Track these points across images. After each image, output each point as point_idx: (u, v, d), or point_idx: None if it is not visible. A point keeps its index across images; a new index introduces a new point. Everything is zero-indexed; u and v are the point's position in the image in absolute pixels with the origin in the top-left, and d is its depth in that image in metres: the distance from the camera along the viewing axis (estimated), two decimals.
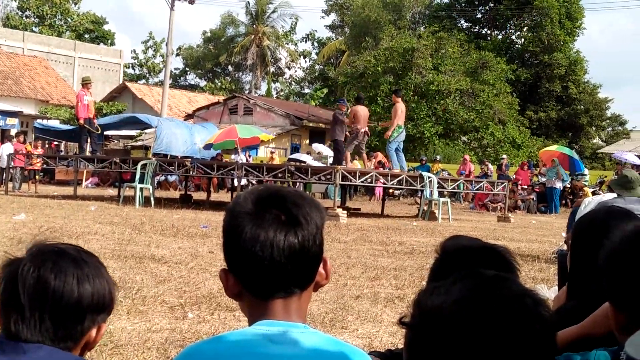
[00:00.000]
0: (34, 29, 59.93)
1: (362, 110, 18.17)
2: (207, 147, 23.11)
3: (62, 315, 1.65)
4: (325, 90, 54.13)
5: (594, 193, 22.48)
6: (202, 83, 69.30)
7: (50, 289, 1.64)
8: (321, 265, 1.67)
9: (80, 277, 1.68)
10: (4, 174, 22.74)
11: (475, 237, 2.29)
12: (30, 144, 27.03)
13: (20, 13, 62.37)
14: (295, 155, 30.91)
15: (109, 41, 65.71)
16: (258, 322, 1.60)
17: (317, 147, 31.90)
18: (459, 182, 19.22)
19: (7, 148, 16.45)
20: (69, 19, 62.59)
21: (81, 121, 19.52)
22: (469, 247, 2.11)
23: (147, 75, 69.54)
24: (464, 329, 1.15)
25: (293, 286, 1.62)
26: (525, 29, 48.60)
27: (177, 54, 69.05)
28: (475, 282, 1.22)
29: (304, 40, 68.47)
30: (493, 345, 1.14)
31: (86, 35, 63.07)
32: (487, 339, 1.14)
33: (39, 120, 37.25)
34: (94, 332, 1.73)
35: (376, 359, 2.47)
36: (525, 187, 26.63)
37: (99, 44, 61.93)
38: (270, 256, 1.57)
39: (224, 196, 24.84)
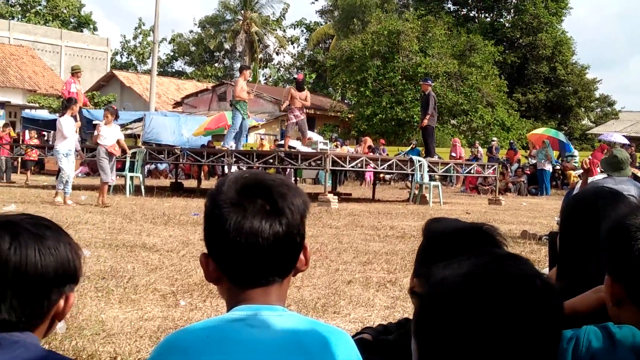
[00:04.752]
0: (20, 17, 59.44)
1: None
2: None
3: (26, 291, 1.57)
4: (313, 75, 53.95)
5: (580, 177, 22.55)
6: (189, 70, 69.01)
7: (11, 265, 1.55)
8: (301, 252, 1.69)
9: (41, 249, 1.59)
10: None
11: (456, 219, 2.29)
12: (18, 135, 26.90)
13: (5, 1, 61.86)
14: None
15: (91, 26, 65.28)
16: (236, 307, 1.61)
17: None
18: (449, 165, 19.23)
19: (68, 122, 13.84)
20: (56, 6, 62.07)
21: None
22: (455, 229, 2.11)
23: (136, 63, 69.20)
24: (469, 301, 1.17)
25: (275, 275, 1.63)
26: (512, 11, 48.53)
27: (170, 42, 68.71)
28: (488, 258, 1.25)
29: (293, 27, 68.10)
30: (496, 321, 1.16)
31: (71, 21, 62.58)
32: (491, 313, 1.16)
33: (26, 110, 37.06)
34: (62, 303, 1.65)
35: (368, 336, 2.48)
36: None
37: (82, 30, 61.54)
38: (255, 246, 1.58)
39: (214, 183, 24.76)
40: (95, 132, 14.39)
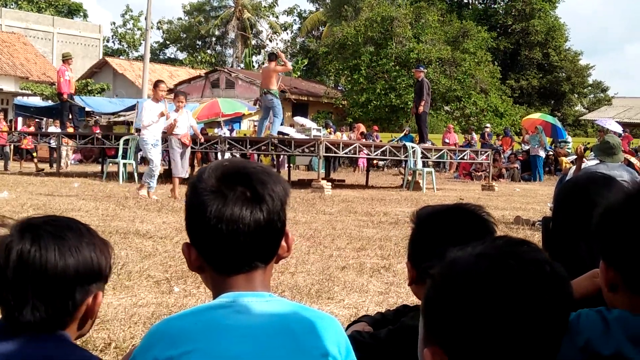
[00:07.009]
0: (14, 4, 59.02)
1: None
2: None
3: (48, 291, 1.61)
4: (305, 61, 53.80)
5: (572, 163, 22.62)
6: (181, 56, 68.77)
7: (31, 266, 1.59)
8: (283, 238, 1.70)
9: (61, 250, 1.62)
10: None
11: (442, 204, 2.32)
12: (11, 122, 26.75)
13: None
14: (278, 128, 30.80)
15: (82, 13, 64.93)
16: (223, 294, 1.62)
17: (300, 119, 31.80)
18: (442, 151, 19.24)
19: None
20: None
21: (64, 96, 19.37)
22: (442, 209, 2.14)
23: (127, 49, 68.87)
24: (480, 281, 1.21)
25: (257, 261, 1.65)
26: None
27: (159, 28, 68.43)
28: (502, 243, 1.29)
29: (286, 13, 67.86)
30: (506, 302, 1.19)
31: (61, 7, 62.19)
32: (501, 294, 1.20)
33: (18, 98, 36.88)
34: (90, 301, 1.69)
35: (365, 324, 2.48)
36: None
37: (72, 17, 61.18)
38: (236, 233, 1.59)
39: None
40: (170, 121, 12.96)
